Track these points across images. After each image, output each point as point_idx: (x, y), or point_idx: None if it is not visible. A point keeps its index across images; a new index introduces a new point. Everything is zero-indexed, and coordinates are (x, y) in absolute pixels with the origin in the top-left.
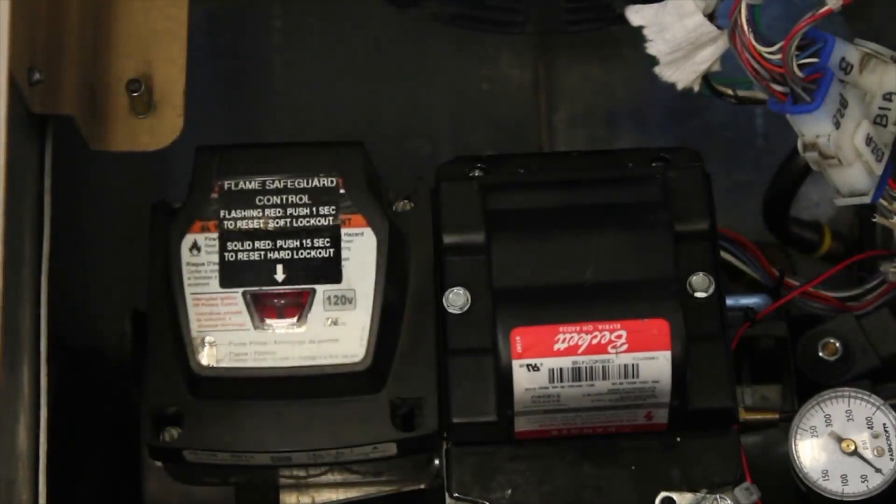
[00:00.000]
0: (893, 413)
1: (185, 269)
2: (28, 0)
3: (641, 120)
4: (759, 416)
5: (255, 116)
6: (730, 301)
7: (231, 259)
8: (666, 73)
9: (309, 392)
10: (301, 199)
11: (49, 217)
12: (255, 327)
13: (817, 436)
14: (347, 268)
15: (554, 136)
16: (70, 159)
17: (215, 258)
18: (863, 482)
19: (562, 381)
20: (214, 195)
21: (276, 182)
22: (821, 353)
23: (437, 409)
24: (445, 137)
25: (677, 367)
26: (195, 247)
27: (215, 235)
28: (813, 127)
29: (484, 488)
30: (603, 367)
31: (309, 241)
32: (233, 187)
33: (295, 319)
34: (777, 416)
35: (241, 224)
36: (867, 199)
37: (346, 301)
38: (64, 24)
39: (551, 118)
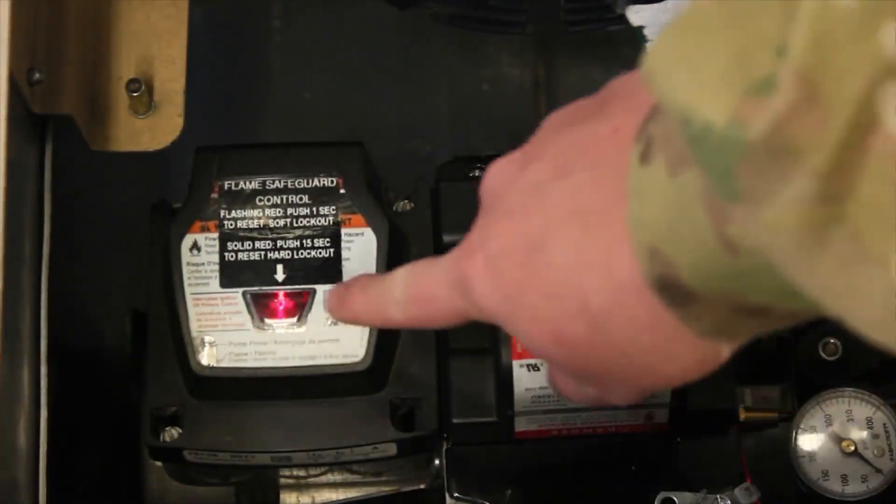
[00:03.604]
0: (894, 413)
1: (185, 269)
2: (28, 0)
3: None
4: (759, 416)
5: (255, 116)
6: None
7: (231, 259)
8: None
9: (309, 392)
10: (301, 199)
11: (49, 217)
12: (256, 327)
13: (817, 436)
14: (347, 268)
15: None
16: (70, 159)
17: (215, 258)
18: (863, 482)
19: None
20: (214, 195)
21: (277, 182)
22: (821, 353)
23: (437, 409)
24: (445, 137)
25: None
26: (195, 247)
27: (215, 235)
28: None
29: (484, 488)
30: None
31: (309, 241)
32: (233, 187)
33: (295, 319)
34: (777, 416)
35: (241, 224)
36: None
37: None
38: (64, 24)
39: None
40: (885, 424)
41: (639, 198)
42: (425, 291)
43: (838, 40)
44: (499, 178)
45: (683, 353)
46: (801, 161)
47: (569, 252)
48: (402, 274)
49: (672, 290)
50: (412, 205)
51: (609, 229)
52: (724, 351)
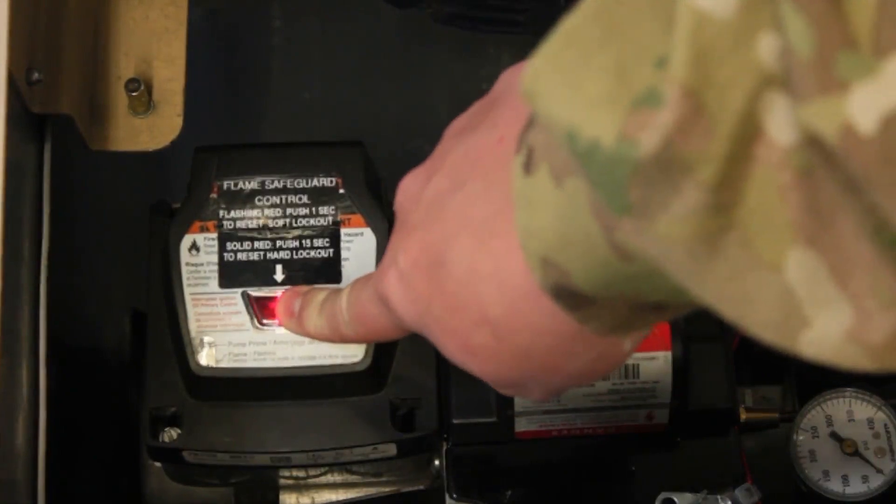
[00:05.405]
0: (894, 413)
1: (184, 269)
2: (28, 0)
3: None
4: (759, 417)
5: (255, 116)
6: None
7: (230, 259)
8: None
9: (309, 392)
10: (301, 199)
11: (48, 217)
12: (255, 328)
13: (818, 436)
14: (347, 268)
15: None
16: (69, 159)
17: (214, 258)
18: (864, 483)
19: None
20: (214, 195)
21: (276, 182)
22: None
23: (436, 409)
24: None
25: (678, 367)
26: (194, 247)
27: (214, 235)
28: None
29: (484, 488)
30: None
31: (308, 241)
32: (232, 187)
33: None
34: (778, 416)
35: (241, 224)
36: None
37: None
38: (63, 24)
39: None
40: (885, 425)
41: (526, 208)
42: (364, 310)
43: (718, 53)
44: (407, 193)
45: (585, 351)
46: (691, 174)
47: (464, 264)
48: (346, 293)
49: (568, 296)
50: None
51: (500, 240)
52: (626, 344)
